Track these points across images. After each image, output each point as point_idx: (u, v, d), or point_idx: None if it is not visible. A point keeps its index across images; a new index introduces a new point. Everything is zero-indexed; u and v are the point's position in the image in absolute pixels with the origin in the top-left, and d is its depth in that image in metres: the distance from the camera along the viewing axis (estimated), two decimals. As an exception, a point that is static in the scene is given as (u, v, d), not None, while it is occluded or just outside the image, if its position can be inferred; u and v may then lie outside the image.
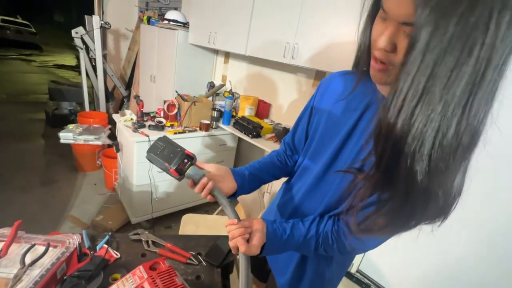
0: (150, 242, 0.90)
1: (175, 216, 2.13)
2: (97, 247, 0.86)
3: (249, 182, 0.73)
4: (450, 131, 0.34)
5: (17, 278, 0.61)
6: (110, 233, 0.94)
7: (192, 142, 2.01)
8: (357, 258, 1.81)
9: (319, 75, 1.85)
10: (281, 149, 0.86)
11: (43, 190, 2.29)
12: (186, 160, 0.62)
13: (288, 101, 2.14)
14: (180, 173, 0.62)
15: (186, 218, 1.59)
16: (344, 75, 0.66)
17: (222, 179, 0.67)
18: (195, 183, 0.63)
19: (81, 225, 1.96)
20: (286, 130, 1.90)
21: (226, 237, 1.02)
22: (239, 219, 0.61)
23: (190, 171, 0.63)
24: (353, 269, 1.83)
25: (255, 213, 1.77)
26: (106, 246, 0.85)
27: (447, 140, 0.35)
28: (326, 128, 0.66)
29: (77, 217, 2.03)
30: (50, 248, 0.71)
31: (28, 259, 0.66)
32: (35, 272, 0.63)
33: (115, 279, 0.77)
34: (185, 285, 0.67)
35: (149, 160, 0.63)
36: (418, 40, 0.33)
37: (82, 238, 0.84)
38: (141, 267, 0.69)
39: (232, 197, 0.71)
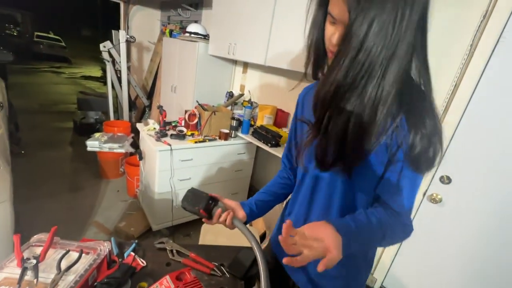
0: (174, 251, 0.92)
1: (194, 225, 2.16)
2: (125, 255, 0.89)
3: (257, 210, 0.83)
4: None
5: (54, 283, 0.64)
6: (136, 241, 0.96)
7: (211, 151, 2.04)
8: (381, 272, 1.73)
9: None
10: (282, 166, 0.92)
11: (70, 196, 2.40)
12: (210, 202, 0.77)
13: (307, 110, 2.13)
14: (207, 212, 0.76)
15: (206, 228, 1.60)
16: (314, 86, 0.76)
17: (236, 210, 0.80)
18: (211, 217, 0.77)
19: (105, 231, 2.03)
20: (305, 139, 1.89)
21: (248, 249, 1.02)
22: (258, 244, 0.66)
23: (215, 209, 0.77)
24: (376, 286, 1.75)
25: (274, 222, 1.75)
26: (133, 254, 0.88)
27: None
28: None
29: (101, 223, 2.11)
30: (83, 255, 0.74)
31: (63, 265, 0.69)
32: (70, 278, 0.66)
33: (143, 287, 0.78)
34: None
35: (183, 207, 0.78)
36: (347, 34, 0.46)
37: (111, 245, 0.86)
38: (167, 277, 0.70)
39: (245, 223, 0.82)
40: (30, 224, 1.72)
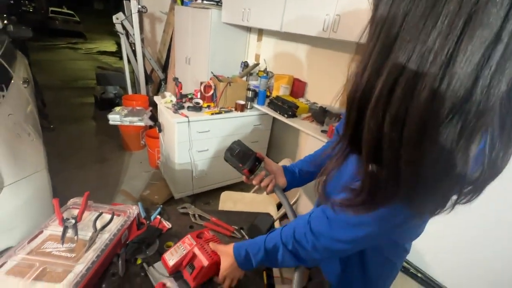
0: (196, 215, 0.97)
1: (213, 193, 2.25)
2: (152, 218, 0.95)
3: (298, 178, 0.80)
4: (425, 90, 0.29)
5: (92, 240, 0.70)
6: (161, 206, 1.03)
7: (228, 123, 2.05)
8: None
9: (360, 49, 1.73)
10: (335, 137, 0.84)
11: (97, 167, 2.56)
12: (257, 163, 0.74)
13: (325, 79, 2.04)
14: (251, 173, 0.73)
15: (225, 195, 1.66)
16: None
17: (277, 175, 0.77)
18: (252, 177, 0.74)
19: (131, 199, 2.18)
20: (322, 109, 1.84)
21: (266, 214, 1.06)
22: (295, 215, 0.70)
23: (258, 171, 0.74)
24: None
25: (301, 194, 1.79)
26: (159, 217, 0.94)
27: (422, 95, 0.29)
28: None
29: (128, 191, 2.25)
30: (115, 217, 0.80)
31: (98, 225, 0.75)
32: (105, 236, 0.73)
33: (169, 246, 0.85)
34: None
35: (226, 159, 0.75)
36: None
37: (139, 209, 0.93)
38: (189, 236, 0.75)
39: (284, 191, 0.80)
40: (63, 193, 1.88)
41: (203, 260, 0.67)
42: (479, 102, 0.27)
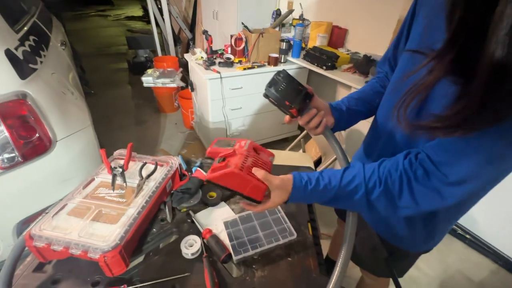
0: (236, 168, 0.95)
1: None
2: (193, 169, 0.96)
3: (346, 117, 0.69)
4: None
5: (140, 187, 0.72)
6: (200, 159, 1.03)
7: (261, 78, 1.94)
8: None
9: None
10: (381, 74, 0.73)
11: (137, 128, 2.69)
12: (308, 100, 0.60)
13: (368, 25, 1.78)
14: (299, 113, 0.60)
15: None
16: None
17: (325, 114, 0.65)
18: (299, 116, 0.62)
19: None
20: (367, 58, 1.63)
21: (306, 168, 1.01)
22: (348, 162, 0.60)
23: (307, 109, 0.61)
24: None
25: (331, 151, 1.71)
26: (200, 169, 0.94)
27: None
28: (421, 38, 0.51)
29: (166, 150, 2.35)
30: (158, 167, 0.81)
31: (144, 174, 0.76)
32: (151, 184, 0.73)
33: (212, 196, 0.85)
34: None
35: (267, 96, 0.60)
36: None
37: (180, 160, 0.93)
38: (247, 141, 0.65)
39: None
40: (108, 150, 2.02)
41: (235, 169, 0.53)
42: None
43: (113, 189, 0.71)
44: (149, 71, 2.69)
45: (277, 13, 2.29)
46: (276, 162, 1.59)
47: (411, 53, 0.54)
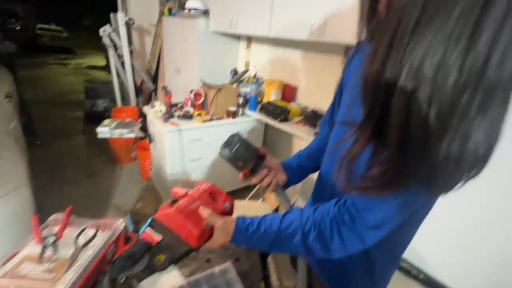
0: (188, 225, 0.92)
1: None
2: (140, 231, 0.90)
3: (297, 173, 0.76)
4: (453, 69, 0.29)
5: (74, 258, 0.65)
6: (151, 217, 0.98)
7: (220, 130, 2.02)
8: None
9: (349, 51, 1.74)
10: (322, 132, 0.83)
11: (88, 182, 2.48)
12: (260, 161, 0.65)
13: (315, 83, 2.04)
14: (251, 173, 0.65)
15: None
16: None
17: (277, 172, 0.70)
18: (252, 176, 0.67)
19: (122, 213, 2.10)
20: (314, 112, 1.83)
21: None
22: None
23: (259, 169, 0.65)
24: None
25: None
26: (148, 229, 0.89)
27: (449, 79, 0.30)
28: (347, 109, 0.62)
29: (119, 205, 2.18)
30: (99, 231, 0.75)
31: (81, 241, 0.70)
32: (89, 253, 0.67)
33: (160, 260, 0.80)
34: None
35: (222, 156, 0.63)
36: None
37: (126, 222, 0.88)
38: (205, 186, 0.63)
39: (283, 188, 0.74)
40: (52, 210, 1.81)
41: (171, 210, 0.55)
42: (495, 78, 0.29)
43: (41, 263, 0.63)
44: (106, 121, 2.63)
45: (235, 71, 2.51)
46: (235, 215, 1.57)
47: (346, 111, 0.63)
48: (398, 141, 0.35)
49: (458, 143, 0.32)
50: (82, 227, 0.76)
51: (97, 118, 3.53)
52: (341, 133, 0.63)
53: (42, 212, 1.30)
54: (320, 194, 0.73)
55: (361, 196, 0.49)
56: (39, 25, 12.95)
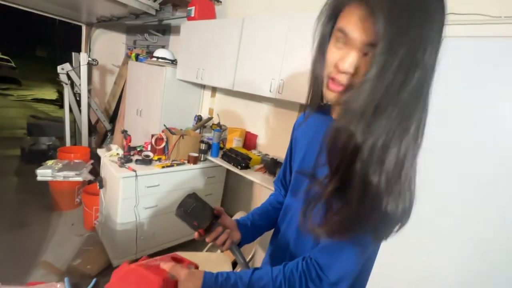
0: (139, 287, 0.84)
1: (162, 255, 2.01)
2: (81, 297, 0.79)
3: (251, 232, 0.77)
4: (403, 144, 0.41)
5: None
6: (94, 279, 0.87)
7: (180, 176, 1.97)
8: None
9: (303, 108, 1.96)
10: (277, 191, 0.87)
11: (13, 234, 2.09)
12: (214, 221, 0.67)
13: (275, 132, 2.20)
14: (207, 232, 0.66)
15: (174, 257, 1.50)
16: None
17: (232, 230, 0.71)
18: (207, 235, 0.67)
19: (54, 272, 1.78)
20: (274, 160, 1.93)
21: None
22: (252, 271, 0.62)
23: (214, 228, 0.67)
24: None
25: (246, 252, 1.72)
26: (91, 295, 0.78)
27: (401, 150, 0.41)
28: (300, 165, 0.68)
29: (50, 263, 1.85)
30: (29, 302, 0.64)
31: (3, 317, 0.59)
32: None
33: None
34: None
35: (178, 216, 0.64)
36: (376, 64, 0.38)
37: (65, 286, 0.77)
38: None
39: (238, 246, 0.74)
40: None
41: (128, 265, 0.51)
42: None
43: None
44: (50, 162, 2.36)
45: (199, 118, 2.58)
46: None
47: (297, 174, 0.70)
48: (358, 198, 0.43)
49: (396, 201, 0.42)
50: (7, 298, 0.64)
51: (38, 157, 3.15)
52: (298, 182, 0.69)
53: None
54: (280, 252, 0.75)
55: (323, 241, 0.54)
56: (-19, 53, 11.85)
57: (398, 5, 0.37)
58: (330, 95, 0.50)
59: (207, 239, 0.67)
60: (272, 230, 0.81)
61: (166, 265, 0.53)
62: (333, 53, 0.47)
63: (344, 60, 0.44)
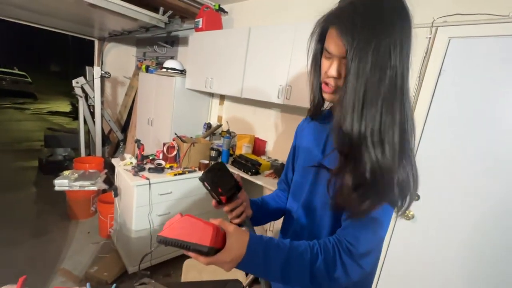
0: (157, 292, 0.87)
1: (174, 263, 2.04)
2: (102, 302, 0.82)
3: (260, 213, 0.81)
4: (396, 126, 0.52)
5: None
6: (114, 284, 0.90)
7: (192, 183, 2.01)
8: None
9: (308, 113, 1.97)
10: (281, 189, 0.92)
11: (33, 243, 2.17)
12: (237, 191, 0.69)
13: (283, 138, 2.22)
14: (228, 200, 0.67)
15: (188, 264, 1.52)
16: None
17: (247, 206, 0.75)
18: (227, 204, 0.69)
19: (73, 279, 1.83)
20: (283, 165, 1.95)
21: (234, 281, 0.99)
22: None
23: (234, 199, 0.69)
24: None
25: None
26: (111, 300, 0.81)
27: (395, 131, 0.52)
28: (304, 163, 0.75)
29: (68, 270, 1.91)
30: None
31: (33, 320, 0.62)
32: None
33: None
34: None
35: (203, 180, 0.64)
36: (351, 69, 0.51)
37: (87, 292, 0.80)
38: None
39: None
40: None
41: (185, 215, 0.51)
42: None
43: None
44: (66, 172, 2.46)
45: (208, 125, 2.63)
46: (205, 275, 1.49)
47: (303, 168, 0.75)
48: (370, 173, 0.52)
49: (404, 171, 0.53)
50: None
51: (55, 168, 3.28)
52: (304, 175, 0.74)
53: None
54: (288, 226, 0.81)
55: (344, 223, 0.59)
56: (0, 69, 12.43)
57: (358, 25, 0.49)
58: (325, 96, 0.63)
59: (225, 208, 0.69)
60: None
61: (215, 220, 0.53)
62: (324, 63, 0.60)
63: (330, 67, 0.57)
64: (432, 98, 1.40)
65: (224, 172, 0.66)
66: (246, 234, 0.52)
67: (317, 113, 0.73)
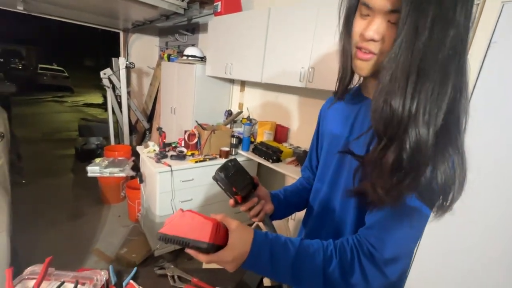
0: (176, 277, 0.87)
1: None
2: (123, 283, 0.84)
3: (284, 206, 0.76)
4: (446, 106, 0.40)
5: (47, 320, 0.59)
6: (135, 268, 0.92)
7: (212, 170, 2.00)
8: None
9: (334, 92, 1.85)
10: (306, 176, 0.86)
11: (70, 224, 2.36)
12: (253, 189, 0.65)
13: (306, 124, 2.13)
14: (243, 200, 0.64)
15: (210, 249, 1.54)
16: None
17: (265, 201, 0.70)
18: (243, 203, 0.65)
19: (105, 259, 1.96)
20: (306, 152, 1.87)
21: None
22: None
23: (251, 197, 0.65)
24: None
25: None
26: (132, 282, 0.83)
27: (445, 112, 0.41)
28: (328, 147, 0.68)
29: (101, 251, 2.04)
30: (79, 286, 0.70)
31: (57, 298, 0.65)
32: (64, 313, 0.62)
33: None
34: None
35: (216, 179, 0.62)
36: (406, 27, 0.38)
37: (109, 273, 0.82)
38: None
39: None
40: (29, 256, 1.68)
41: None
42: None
43: (9, 326, 0.57)
44: (97, 160, 2.59)
45: (229, 112, 2.61)
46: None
47: (327, 153, 0.68)
48: (409, 160, 0.41)
49: (446, 165, 0.42)
50: (61, 281, 0.70)
51: (88, 156, 3.50)
52: (329, 157, 0.66)
53: (17, 257, 1.21)
54: (310, 217, 0.75)
55: (370, 218, 0.50)
56: (40, 65, 13.47)
57: None
58: (359, 65, 0.50)
59: (242, 208, 0.65)
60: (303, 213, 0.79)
61: (217, 215, 0.50)
62: (359, 23, 0.47)
63: (369, 28, 0.44)
64: (477, 76, 1.23)
65: (239, 170, 0.62)
66: (250, 232, 0.48)
67: (344, 90, 0.61)
